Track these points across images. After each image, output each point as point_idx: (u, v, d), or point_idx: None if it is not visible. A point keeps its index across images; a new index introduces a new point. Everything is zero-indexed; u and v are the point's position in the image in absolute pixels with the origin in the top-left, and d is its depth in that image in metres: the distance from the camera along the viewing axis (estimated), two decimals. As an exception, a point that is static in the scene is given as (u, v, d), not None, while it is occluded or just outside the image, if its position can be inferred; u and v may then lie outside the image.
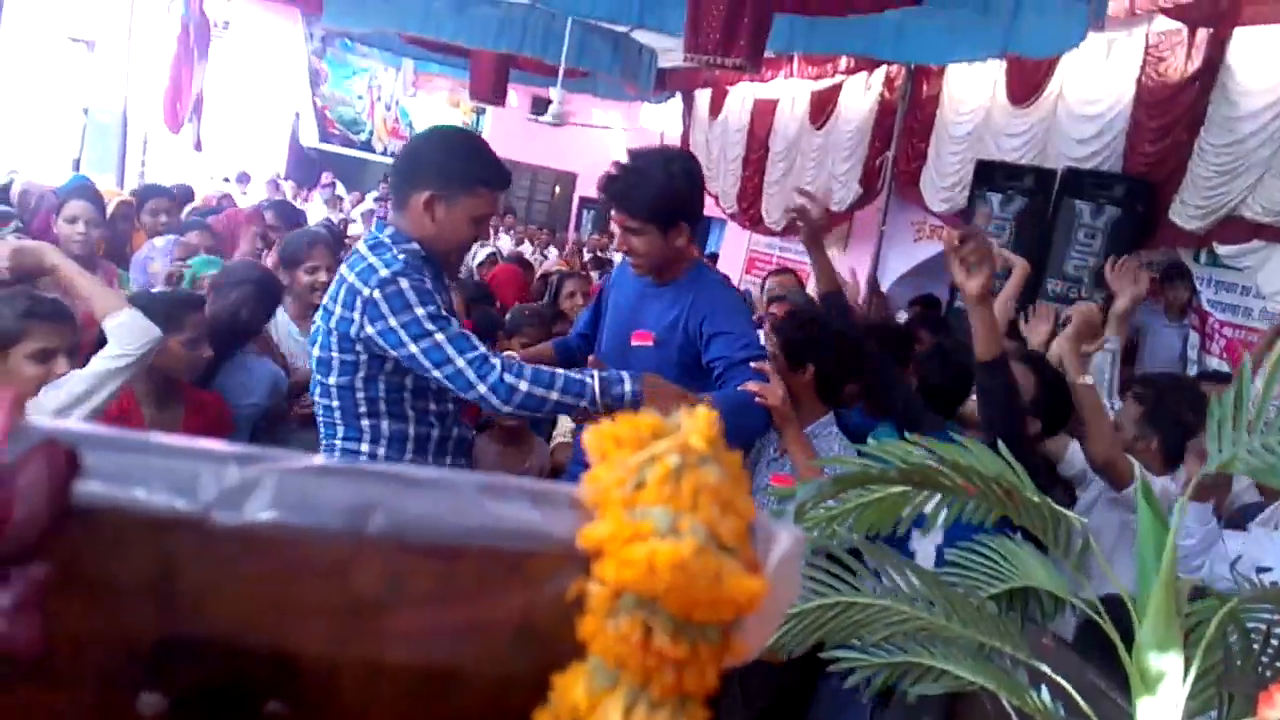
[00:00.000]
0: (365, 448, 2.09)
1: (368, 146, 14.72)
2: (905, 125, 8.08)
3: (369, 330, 1.97)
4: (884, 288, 7.84)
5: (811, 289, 3.83)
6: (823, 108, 9.02)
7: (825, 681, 2.41)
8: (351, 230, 8.86)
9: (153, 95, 9.51)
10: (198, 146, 9.98)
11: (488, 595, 0.44)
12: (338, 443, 2.10)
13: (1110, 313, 3.33)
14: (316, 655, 0.43)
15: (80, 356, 2.09)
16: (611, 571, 0.42)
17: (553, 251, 11.75)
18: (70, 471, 0.41)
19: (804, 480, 1.36)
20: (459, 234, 2.11)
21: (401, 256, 2.01)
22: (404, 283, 1.96)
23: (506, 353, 2.32)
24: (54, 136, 10.04)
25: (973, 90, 7.28)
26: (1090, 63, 6.10)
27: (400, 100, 14.97)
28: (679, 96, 11.73)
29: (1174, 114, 5.63)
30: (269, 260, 3.65)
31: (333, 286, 2.10)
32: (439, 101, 15.11)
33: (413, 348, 1.96)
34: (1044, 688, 1.13)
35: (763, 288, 5.11)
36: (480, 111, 15.00)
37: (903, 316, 5.72)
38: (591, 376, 2.01)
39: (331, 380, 2.07)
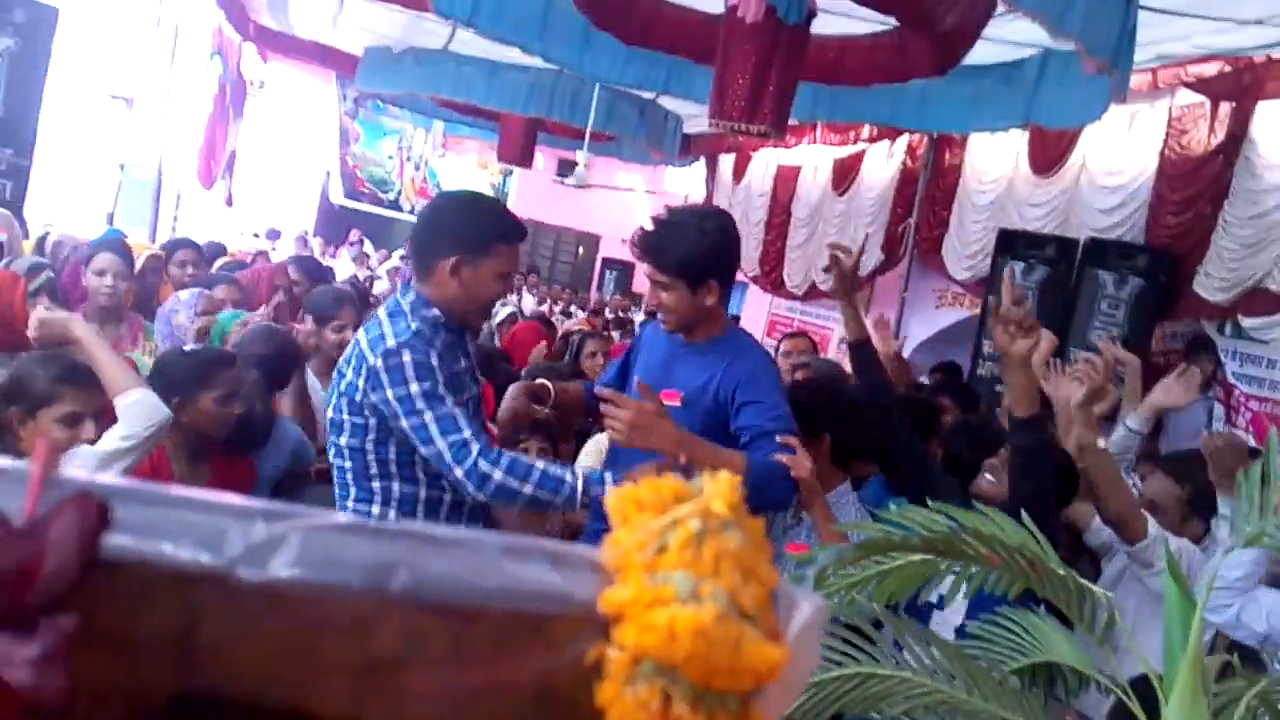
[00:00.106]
0: (376, 509, 2.09)
1: (395, 205, 14.93)
2: (927, 193, 8.12)
3: (371, 398, 2.01)
4: (905, 354, 7.82)
5: (833, 348, 3.82)
6: (845, 174, 9.09)
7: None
8: (377, 287, 8.96)
9: (187, 152, 9.74)
10: (229, 202, 10.18)
11: (507, 657, 0.44)
12: (350, 504, 2.11)
13: (1148, 401, 3.28)
14: (335, 714, 0.43)
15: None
16: (631, 637, 0.41)
17: (577, 311, 11.81)
18: (101, 524, 0.41)
19: (825, 546, 1.35)
20: (487, 293, 2.14)
21: (415, 326, 2.03)
22: (406, 356, 1.98)
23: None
24: (90, 191, 10.25)
25: (995, 159, 7.32)
26: (1113, 134, 6.13)
27: (429, 161, 15.21)
28: (703, 161, 11.86)
29: (1197, 186, 5.63)
30: (299, 323, 3.67)
31: (349, 349, 2.13)
32: (468, 163, 15.35)
33: (404, 422, 1.98)
34: (1068, 766, 1.10)
35: (776, 350, 5.12)
36: (508, 173, 15.22)
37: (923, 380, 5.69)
38: (574, 475, 2.00)
39: (343, 441, 2.09)
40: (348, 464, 2.10)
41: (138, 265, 3.81)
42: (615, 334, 7.83)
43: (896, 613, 1.25)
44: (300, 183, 14.30)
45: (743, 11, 4.06)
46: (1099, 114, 4.85)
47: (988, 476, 2.51)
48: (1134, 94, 5.07)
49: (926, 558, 1.14)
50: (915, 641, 1.21)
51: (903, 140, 8.28)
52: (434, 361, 2.00)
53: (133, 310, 3.59)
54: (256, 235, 11.37)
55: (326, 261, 9.57)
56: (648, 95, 7.97)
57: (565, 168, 11.83)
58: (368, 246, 13.20)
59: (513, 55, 6.54)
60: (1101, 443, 2.60)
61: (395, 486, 2.09)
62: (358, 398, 2.02)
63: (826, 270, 2.76)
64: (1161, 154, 5.88)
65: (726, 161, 11.47)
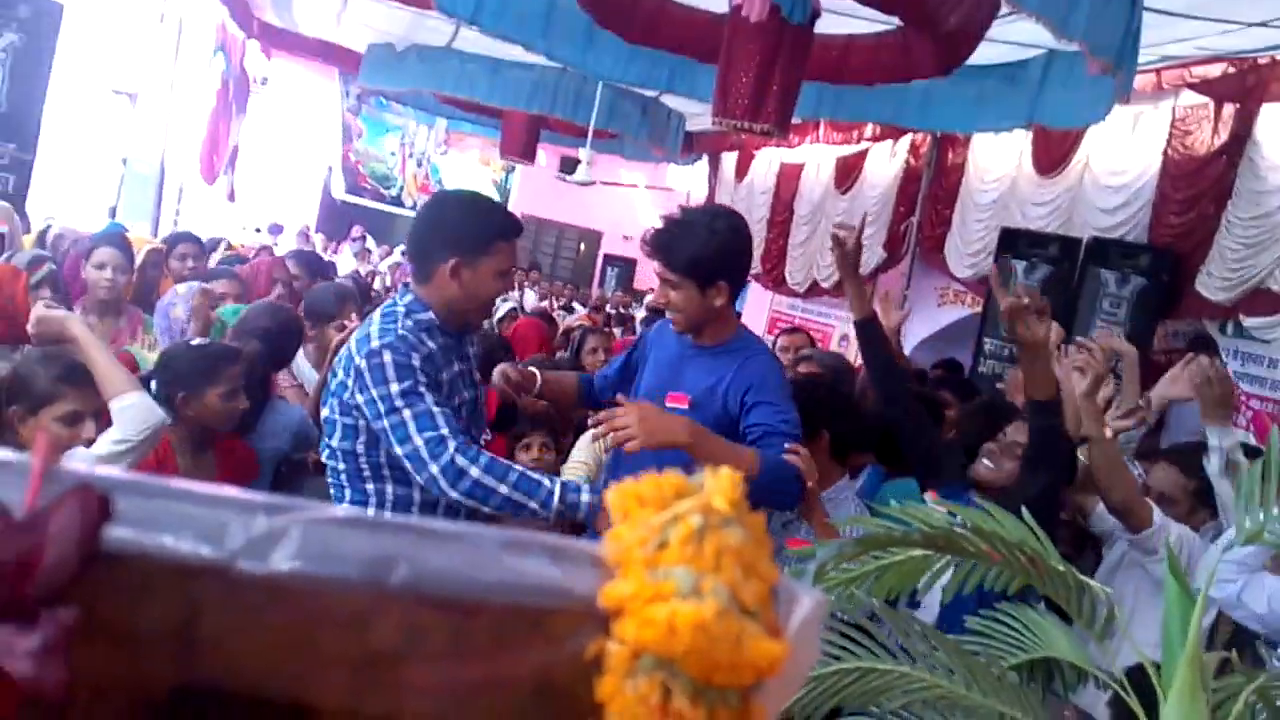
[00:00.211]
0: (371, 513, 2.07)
1: (398, 201, 14.94)
2: (930, 192, 8.12)
3: (358, 399, 2.00)
4: (906, 351, 7.82)
5: (834, 345, 3.82)
6: (848, 173, 9.08)
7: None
8: (378, 283, 8.96)
9: (190, 147, 9.74)
10: (231, 197, 10.18)
11: (506, 651, 0.44)
12: (346, 505, 2.10)
13: (1156, 392, 3.27)
14: (334, 707, 0.43)
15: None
16: (632, 631, 0.41)
17: (578, 308, 11.81)
18: (102, 517, 0.41)
19: (823, 543, 1.35)
20: (487, 291, 2.14)
21: (404, 328, 2.02)
22: (387, 356, 1.97)
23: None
24: (93, 185, 10.26)
25: (998, 159, 7.32)
26: (1117, 134, 6.13)
27: (431, 157, 15.21)
28: (705, 158, 11.86)
29: (1200, 186, 5.63)
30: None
31: (343, 349, 2.13)
32: (470, 160, 15.36)
33: (384, 422, 1.97)
34: (1067, 764, 1.10)
35: (773, 346, 5.11)
36: (510, 170, 15.23)
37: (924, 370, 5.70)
38: (552, 481, 1.97)
39: (335, 443, 2.08)
40: (341, 466, 2.10)
41: (138, 259, 3.82)
42: (617, 330, 7.83)
43: (895, 608, 1.25)
44: (302, 179, 14.32)
45: (747, 10, 4.05)
46: (1103, 114, 4.85)
47: (985, 462, 2.53)
48: (1138, 95, 5.07)
49: (926, 553, 1.15)
50: (915, 636, 1.21)
51: (906, 139, 8.28)
52: (415, 363, 1.99)
53: (132, 304, 3.60)
54: (259, 230, 11.38)
55: (328, 257, 9.58)
56: (650, 93, 7.96)
57: (568, 164, 11.82)
58: (370, 242, 13.20)
59: (516, 53, 6.54)
60: (1108, 433, 2.60)
61: (389, 489, 2.08)
62: (346, 397, 2.02)
63: (831, 249, 2.75)
64: (1165, 154, 5.88)
65: (729, 159, 11.47)
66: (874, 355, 2.75)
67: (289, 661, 0.43)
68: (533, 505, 1.95)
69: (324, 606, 0.43)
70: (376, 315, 2.12)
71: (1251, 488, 0.95)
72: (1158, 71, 5.61)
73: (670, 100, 8.23)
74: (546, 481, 1.97)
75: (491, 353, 4.23)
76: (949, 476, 2.49)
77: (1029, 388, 2.28)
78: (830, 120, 7.97)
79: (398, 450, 1.96)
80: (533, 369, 2.58)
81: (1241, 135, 5.37)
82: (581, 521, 2.03)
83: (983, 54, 4.59)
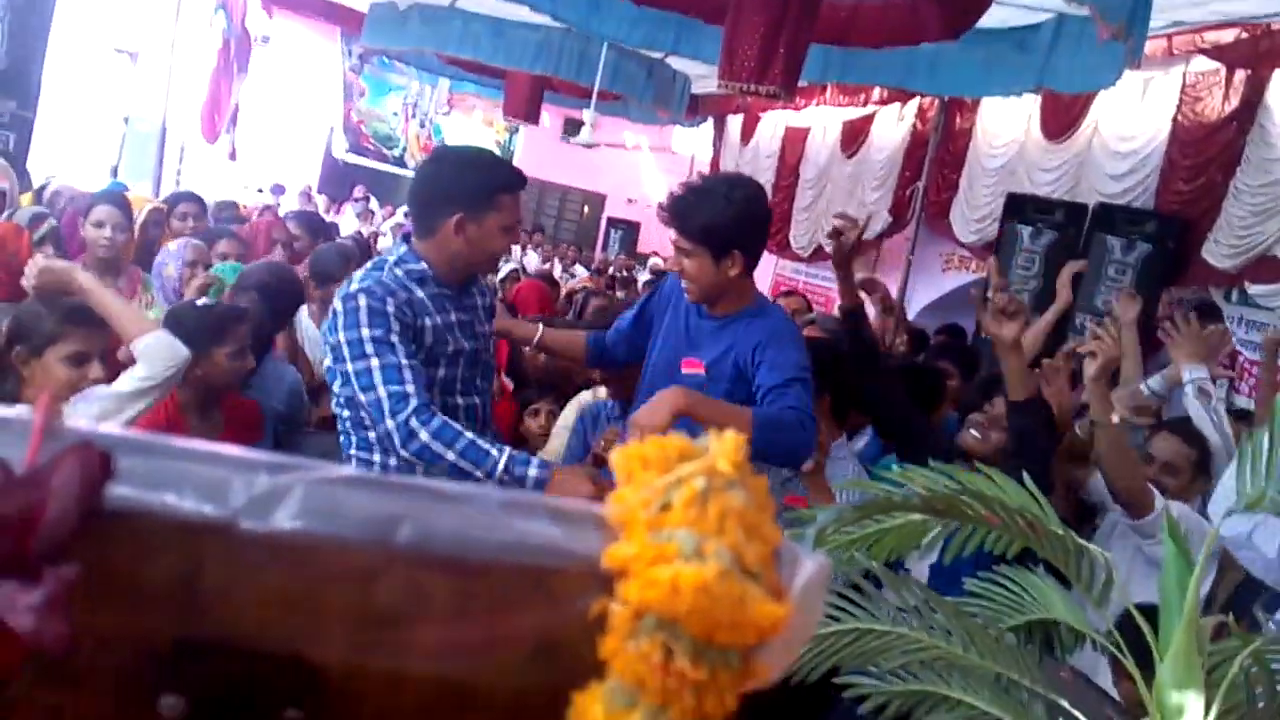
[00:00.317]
0: (377, 458, 2.08)
1: (400, 162, 14.86)
2: (937, 156, 8.07)
3: (336, 340, 1.99)
4: (910, 316, 7.80)
5: (836, 309, 3.80)
6: (854, 137, 9.02)
7: (837, 708, 2.39)
8: (381, 243, 8.94)
9: (191, 106, 9.67)
10: (233, 156, 10.13)
11: (509, 611, 0.44)
12: (353, 453, 2.11)
13: (1167, 373, 3.27)
14: (336, 664, 0.43)
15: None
16: (634, 592, 0.41)
17: (579, 270, 11.79)
18: (103, 474, 0.41)
19: (823, 506, 1.36)
20: (494, 246, 2.12)
21: (388, 276, 2.01)
22: (362, 300, 1.96)
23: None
24: (94, 144, 10.21)
25: (1006, 124, 7.26)
26: (1126, 100, 6.08)
27: (434, 118, 15.11)
28: (710, 121, 11.77)
29: (1209, 153, 5.59)
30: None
31: None
32: (474, 121, 15.25)
33: (349, 366, 1.96)
34: (1063, 725, 1.11)
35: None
36: (513, 131, 15.12)
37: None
38: (501, 451, 1.95)
39: (337, 389, 2.08)
40: (345, 413, 2.11)
41: (139, 218, 3.80)
42: (620, 293, 7.82)
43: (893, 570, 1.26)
44: (304, 138, 14.22)
45: (753, -31, 4.01)
46: (1113, 80, 4.80)
47: (972, 432, 2.55)
48: (1148, 60, 5.01)
49: (925, 517, 1.15)
50: (913, 598, 1.22)
51: (913, 103, 8.21)
52: (389, 309, 1.97)
53: (133, 264, 3.58)
54: (260, 190, 11.33)
55: (330, 218, 9.54)
56: (656, 55, 7.88)
57: (571, 126, 11.75)
58: (373, 203, 13.15)
59: (521, 13, 6.46)
60: (1115, 418, 2.59)
61: None
62: (332, 341, 2.03)
63: (829, 237, 2.74)
64: (1174, 120, 5.83)
65: (734, 122, 11.39)
66: (853, 342, 2.80)
67: (291, 617, 0.43)
68: (478, 475, 1.93)
69: (327, 565, 0.43)
70: (369, 264, 2.12)
71: (1255, 454, 0.95)
72: (1169, 36, 5.54)
73: (676, 62, 8.15)
74: (494, 451, 1.94)
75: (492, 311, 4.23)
76: (933, 452, 2.50)
77: (1008, 388, 2.31)
78: (837, 83, 7.89)
79: (360, 397, 1.96)
80: (537, 324, 2.57)
81: (1253, 101, 5.32)
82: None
83: (992, 17, 4.54)
